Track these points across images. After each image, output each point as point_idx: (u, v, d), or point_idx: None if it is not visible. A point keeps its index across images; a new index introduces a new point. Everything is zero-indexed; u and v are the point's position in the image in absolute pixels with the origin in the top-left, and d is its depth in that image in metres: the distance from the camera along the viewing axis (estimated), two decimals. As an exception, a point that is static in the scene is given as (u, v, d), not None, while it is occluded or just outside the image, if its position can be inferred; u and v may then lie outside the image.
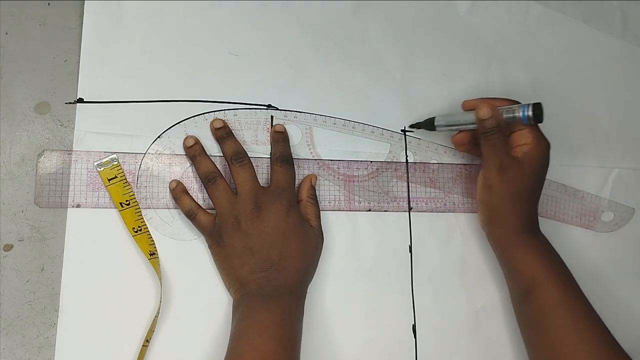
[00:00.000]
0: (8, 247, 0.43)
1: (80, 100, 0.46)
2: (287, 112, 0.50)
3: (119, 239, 0.45)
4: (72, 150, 0.45)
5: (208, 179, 0.45)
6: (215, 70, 0.49)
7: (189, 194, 0.46)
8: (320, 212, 0.48)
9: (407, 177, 0.52)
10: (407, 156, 0.52)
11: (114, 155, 0.46)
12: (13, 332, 0.42)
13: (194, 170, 0.47)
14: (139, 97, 0.47)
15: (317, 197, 0.49)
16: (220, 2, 0.50)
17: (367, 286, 0.50)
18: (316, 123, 0.51)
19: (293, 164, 0.47)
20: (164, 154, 0.47)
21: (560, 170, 0.55)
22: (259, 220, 0.44)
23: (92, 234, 0.44)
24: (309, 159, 0.50)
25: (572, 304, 0.45)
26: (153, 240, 0.45)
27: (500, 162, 0.46)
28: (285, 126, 0.49)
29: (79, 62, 0.46)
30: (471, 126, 0.48)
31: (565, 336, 0.44)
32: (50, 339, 0.43)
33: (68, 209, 0.44)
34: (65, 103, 0.46)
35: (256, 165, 0.47)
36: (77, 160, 0.45)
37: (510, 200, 0.47)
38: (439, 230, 0.52)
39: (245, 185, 0.45)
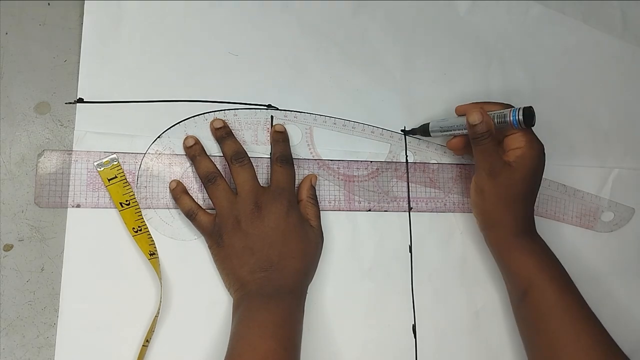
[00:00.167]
0: (8, 247, 0.43)
1: (80, 100, 0.46)
2: (287, 112, 0.50)
3: (119, 239, 0.45)
4: (72, 150, 0.45)
5: (208, 179, 0.45)
6: (215, 70, 0.49)
7: (189, 194, 0.46)
8: (320, 212, 0.48)
9: (407, 177, 0.52)
10: (407, 156, 0.52)
11: (114, 155, 0.46)
12: (13, 332, 0.42)
13: (194, 170, 0.47)
14: (139, 97, 0.47)
15: (317, 197, 0.49)
16: (220, 2, 0.50)
17: (367, 286, 0.50)
18: (316, 123, 0.51)
19: (293, 164, 0.47)
20: (164, 154, 0.47)
21: (560, 170, 0.55)
22: (259, 220, 0.44)
23: (92, 234, 0.44)
24: (309, 159, 0.50)
25: (568, 305, 0.45)
26: (153, 240, 0.45)
27: (491, 167, 0.46)
28: (285, 126, 0.49)
29: (79, 62, 0.46)
30: (465, 131, 0.47)
31: (563, 337, 0.44)
32: (50, 339, 0.43)
33: (68, 209, 0.44)
34: (65, 103, 0.46)
35: (256, 165, 0.47)
36: (77, 160, 0.45)
37: (503, 204, 0.47)
38: (439, 230, 0.52)
39: (245, 185, 0.45)
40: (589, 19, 0.59)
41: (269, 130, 0.49)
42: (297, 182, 0.48)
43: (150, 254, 0.44)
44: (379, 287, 0.50)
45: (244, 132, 0.49)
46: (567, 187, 0.55)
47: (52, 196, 0.44)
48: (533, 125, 0.45)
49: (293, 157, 0.48)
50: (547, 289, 0.45)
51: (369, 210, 0.51)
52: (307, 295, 0.46)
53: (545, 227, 0.50)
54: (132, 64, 0.47)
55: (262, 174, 0.48)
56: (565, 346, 0.43)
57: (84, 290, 0.44)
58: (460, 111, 0.49)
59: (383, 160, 0.52)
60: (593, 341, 0.43)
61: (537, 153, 0.46)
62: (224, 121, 0.48)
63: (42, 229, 0.44)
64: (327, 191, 0.50)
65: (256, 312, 0.42)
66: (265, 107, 0.50)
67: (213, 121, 0.48)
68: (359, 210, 0.51)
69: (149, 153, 0.47)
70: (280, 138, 0.48)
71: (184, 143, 0.47)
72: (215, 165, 0.46)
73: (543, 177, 0.54)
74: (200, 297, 0.46)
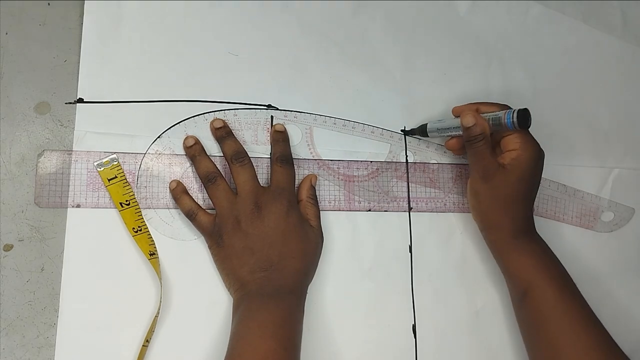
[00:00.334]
0: (8, 247, 0.43)
1: (80, 100, 0.46)
2: (287, 112, 0.50)
3: (119, 239, 0.45)
4: (72, 150, 0.45)
5: (208, 179, 0.45)
6: (215, 70, 0.49)
7: (189, 194, 0.46)
8: (320, 212, 0.48)
9: (407, 177, 0.52)
10: (407, 156, 0.52)
11: (114, 155, 0.46)
12: (13, 332, 0.42)
13: (194, 170, 0.47)
14: (139, 97, 0.47)
15: (317, 197, 0.49)
16: (220, 2, 0.50)
17: (367, 286, 0.50)
18: (316, 123, 0.51)
19: (293, 164, 0.47)
20: (164, 154, 0.47)
21: (560, 170, 0.55)
22: (259, 221, 0.44)
23: (92, 234, 0.44)
24: (309, 159, 0.50)
25: (568, 307, 0.45)
26: (153, 240, 0.45)
27: (484, 170, 0.46)
28: (285, 126, 0.49)
29: (79, 62, 0.46)
30: (461, 132, 0.47)
31: (562, 339, 0.44)
32: (50, 339, 0.43)
33: (68, 209, 0.44)
34: (65, 103, 0.46)
35: (256, 165, 0.47)
36: (77, 160, 0.45)
37: (499, 207, 0.47)
38: (439, 230, 0.52)
39: (245, 186, 0.45)
40: (589, 19, 0.59)
41: (269, 130, 0.49)
42: (297, 182, 0.48)
43: (150, 254, 0.44)
44: (379, 287, 0.50)
45: (244, 132, 0.49)
46: (567, 187, 0.55)
47: (52, 196, 0.44)
48: (528, 127, 0.45)
49: (293, 157, 0.48)
50: (546, 290, 0.45)
51: (369, 210, 0.51)
52: (307, 295, 0.46)
53: (545, 227, 0.50)
54: (132, 64, 0.47)
55: (262, 174, 0.48)
56: (565, 347, 0.43)
57: (84, 290, 0.44)
58: (457, 112, 0.49)
59: (383, 160, 0.52)
60: (593, 342, 0.43)
61: (532, 155, 0.46)
62: (224, 121, 0.48)
63: (42, 229, 0.44)
64: (327, 191, 0.50)
65: (256, 312, 0.42)
66: (265, 107, 0.50)
67: (213, 121, 0.48)
68: (359, 210, 0.51)
69: (149, 153, 0.47)
70: (280, 138, 0.48)
71: (184, 143, 0.47)
72: (215, 165, 0.46)
73: (543, 177, 0.54)
74: (200, 297, 0.46)
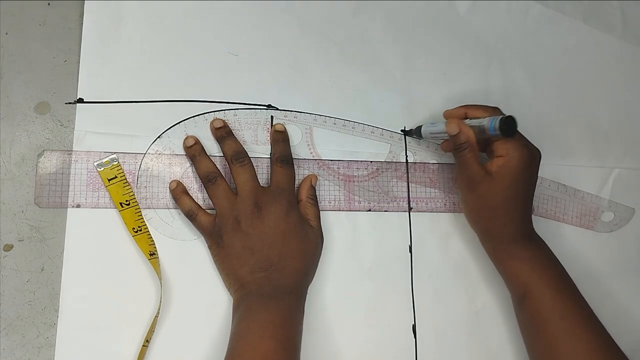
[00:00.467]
0: (8, 247, 0.43)
1: (80, 100, 0.46)
2: (287, 112, 0.50)
3: (119, 239, 0.45)
4: (72, 150, 0.45)
5: (208, 179, 0.45)
6: (215, 70, 0.49)
7: (189, 194, 0.46)
8: (320, 212, 0.48)
9: (407, 177, 0.52)
10: (407, 156, 0.52)
11: (114, 155, 0.46)
12: (13, 332, 0.42)
13: (194, 170, 0.47)
14: (139, 97, 0.47)
15: (317, 197, 0.49)
16: (220, 2, 0.50)
17: (367, 286, 0.50)
18: (316, 123, 0.51)
19: (293, 164, 0.47)
20: (164, 154, 0.47)
21: (560, 170, 0.55)
22: (259, 221, 0.44)
23: (92, 234, 0.44)
24: (309, 159, 0.50)
25: (566, 311, 0.44)
26: (153, 241, 0.45)
27: (470, 179, 0.45)
28: (285, 126, 0.49)
29: (79, 62, 0.46)
30: None
31: (562, 342, 0.44)
32: (50, 339, 0.43)
33: (68, 209, 0.44)
34: (65, 103, 0.46)
35: (256, 165, 0.47)
36: (77, 160, 0.45)
37: (488, 214, 0.46)
38: (439, 230, 0.52)
39: (245, 186, 0.45)
40: (589, 19, 0.59)
41: (269, 130, 0.49)
42: (297, 182, 0.48)
43: (150, 254, 0.44)
44: (379, 287, 0.50)
45: (243, 132, 0.49)
46: (567, 187, 0.55)
47: (52, 196, 0.44)
48: (512, 135, 0.43)
49: (293, 157, 0.48)
50: (543, 295, 0.45)
51: (369, 210, 0.51)
52: (307, 295, 0.46)
53: (545, 227, 0.50)
54: (132, 64, 0.47)
55: (262, 174, 0.48)
56: (565, 351, 0.43)
57: (84, 290, 0.44)
58: (447, 116, 0.49)
59: (383, 160, 0.52)
60: (593, 345, 0.43)
61: (520, 162, 0.44)
62: (224, 121, 0.48)
63: (42, 229, 0.44)
64: (327, 191, 0.50)
65: (256, 312, 0.42)
66: (265, 107, 0.50)
67: (213, 121, 0.48)
68: (359, 210, 0.51)
69: (149, 153, 0.47)
70: (280, 138, 0.48)
71: (184, 143, 0.47)
72: (215, 165, 0.46)
73: (543, 177, 0.54)
74: (200, 297, 0.46)
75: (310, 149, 0.50)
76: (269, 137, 0.49)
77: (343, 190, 0.51)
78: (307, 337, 0.45)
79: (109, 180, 0.45)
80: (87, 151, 0.45)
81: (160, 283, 0.44)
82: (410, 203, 0.52)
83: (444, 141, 0.50)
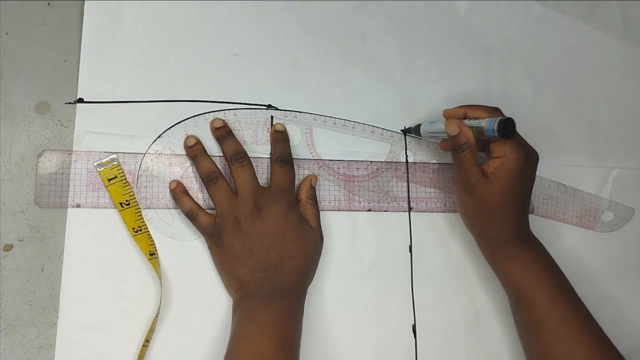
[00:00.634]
0: (8, 247, 0.43)
1: (80, 100, 0.46)
2: (287, 112, 0.50)
3: (119, 239, 0.45)
4: (72, 150, 0.45)
5: (209, 178, 0.45)
6: (215, 70, 0.49)
7: (189, 194, 0.46)
8: (320, 212, 0.48)
9: (407, 177, 0.52)
10: (407, 156, 0.52)
11: (114, 155, 0.46)
12: (13, 332, 0.42)
13: (194, 170, 0.47)
14: (139, 97, 0.47)
15: (317, 197, 0.49)
16: (220, 2, 0.50)
17: (367, 286, 0.50)
18: (316, 123, 0.51)
19: (293, 164, 0.47)
20: (164, 154, 0.47)
21: (560, 170, 0.55)
22: (259, 221, 0.44)
23: (92, 234, 0.44)
24: (309, 159, 0.50)
25: (562, 316, 0.44)
26: (153, 240, 0.45)
27: (466, 180, 0.45)
28: (285, 126, 0.49)
29: (79, 62, 0.46)
30: None
31: (558, 346, 0.43)
32: (50, 339, 0.43)
33: (68, 209, 0.44)
34: (65, 103, 0.46)
35: (256, 165, 0.47)
36: (77, 160, 0.45)
37: (485, 217, 0.46)
38: (439, 230, 0.52)
39: (245, 186, 0.45)
40: (589, 19, 0.59)
41: (269, 130, 0.49)
42: (297, 182, 0.48)
43: (150, 254, 0.44)
44: (379, 287, 0.50)
45: (243, 132, 0.49)
46: (567, 187, 0.55)
47: (52, 196, 0.44)
48: (510, 137, 0.43)
49: (293, 157, 0.48)
50: (538, 299, 0.45)
51: (369, 210, 0.51)
52: (307, 295, 0.46)
53: (545, 227, 0.50)
54: (132, 64, 0.47)
55: (262, 174, 0.48)
56: (561, 356, 0.43)
57: (84, 290, 0.44)
58: (446, 115, 0.49)
59: (383, 160, 0.52)
60: (589, 350, 0.43)
61: (517, 164, 0.44)
62: (224, 121, 0.48)
63: (42, 229, 0.44)
64: (327, 191, 0.50)
65: (256, 313, 0.42)
66: (265, 107, 0.50)
67: (213, 121, 0.48)
68: (359, 210, 0.51)
69: (149, 153, 0.47)
70: (280, 138, 0.48)
71: (185, 142, 0.47)
72: (216, 165, 0.46)
73: (543, 177, 0.54)
74: (200, 297, 0.46)
75: (310, 149, 0.50)
76: (269, 137, 0.49)
77: (343, 190, 0.51)
78: (307, 337, 0.45)
79: (109, 180, 0.45)
80: (87, 151, 0.45)
81: (160, 283, 0.44)
82: (410, 203, 0.52)
83: (442, 140, 0.50)
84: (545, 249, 0.48)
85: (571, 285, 0.46)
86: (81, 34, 0.46)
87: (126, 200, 0.45)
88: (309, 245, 0.46)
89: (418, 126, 0.50)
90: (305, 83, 0.51)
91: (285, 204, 0.45)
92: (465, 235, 0.52)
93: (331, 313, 0.48)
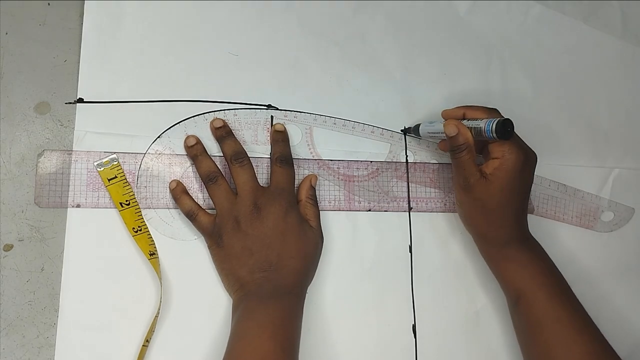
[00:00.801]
0: (8, 247, 0.43)
1: (80, 100, 0.46)
2: (287, 112, 0.50)
3: (119, 239, 0.45)
4: (72, 150, 0.45)
5: (209, 178, 0.45)
6: (215, 70, 0.49)
7: (189, 194, 0.46)
8: (320, 212, 0.48)
9: (407, 177, 0.52)
10: (407, 156, 0.52)
11: (114, 155, 0.46)
12: (13, 332, 0.42)
13: (194, 170, 0.47)
14: (139, 97, 0.47)
15: (317, 197, 0.49)
16: (220, 2, 0.50)
17: (367, 286, 0.50)
18: (316, 123, 0.51)
19: (292, 165, 0.47)
20: (164, 154, 0.47)
21: (560, 170, 0.55)
22: (258, 221, 0.44)
23: (92, 233, 0.44)
24: (309, 159, 0.50)
25: (559, 316, 0.44)
26: (153, 240, 0.45)
27: (465, 181, 0.45)
28: (285, 126, 0.49)
29: (79, 62, 0.46)
30: None
31: (555, 346, 0.43)
32: (50, 339, 0.43)
33: (68, 209, 0.44)
34: (65, 103, 0.46)
35: (256, 165, 0.47)
36: (77, 160, 0.45)
37: (483, 217, 0.46)
38: (439, 230, 0.52)
39: (245, 186, 0.45)
40: (589, 19, 0.59)
41: (269, 130, 0.49)
42: (297, 182, 0.48)
43: (150, 254, 0.44)
44: (379, 287, 0.50)
45: (243, 132, 0.49)
46: (567, 187, 0.55)
47: (52, 196, 0.44)
48: (509, 138, 0.43)
49: (293, 157, 0.48)
50: (536, 300, 0.45)
51: (369, 210, 0.51)
52: (307, 295, 0.46)
53: (545, 227, 0.50)
54: (132, 64, 0.47)
55: (262, 174, 0.48)
56: (559, 356, 0.43)
57: (84, 290, 0.44)
58: (445, 116, 0.49)
59: (383, 160, 0.52)
60: (586, 351, 0.43)
61: (516, 164, 0.44)
62: (223, 121, 0.48)
63: (42, 229, 0.44)
64: (327, 191, 0.50)
65: (255, 313, 0.42)
66: (265, 107, 0.50)
67: (213, 121, 0.48)
68: (359, 210, 0.51)
69: (149, 153, 0.47)
70: (280, 138, 0.48)
71: (185, 142, 0.47)
72: (216, 165, 0.46)
73: (543, 176, 0.54)
74: (200, 297, 0.46)
75: (310, 148, 0.50)
76: (268, 137, 0.49)
77: (343, 190, 0.51)
78: (306, 337, 0.45)
79: (109, 180, 0.45)
80: (87, 151, 0.45)
81: (160, 283, 0.44)
82: (410, 203, 0.52)
83: (441, 141, 0.50)
84: (543, 249, 0.48)
85: (569, 286, 0.46)
86: (81, 34, 0.46)
87: (126, 200, 0.45)
88: (308, 246, 0.46)
89: (417, 126, 0.51)
90: (305, 83, 0.51)
91: (285, 204, 0.45)
92: (466, 236, 0.52)
93: (331, 313, 0.48)
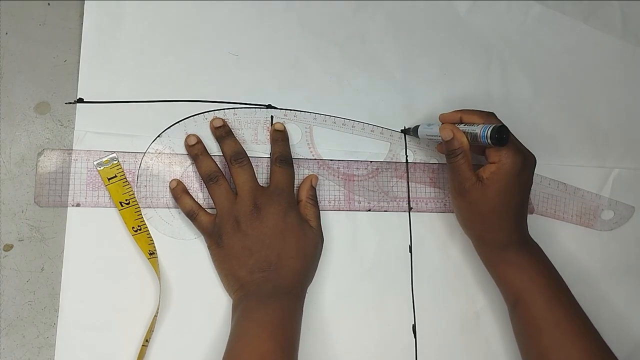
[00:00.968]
0: (8, 247, 0.43)
1: (80, 100, 0.46)
2: (286, 111, 0.50)
3: (119, 239, 0.45)
4: (72, 150, 0.45)
5: (210, 178, 0.45)
6: (215, 70, 0.49)
7: (189, 193, 0.46)
8: (320, 212, 0.48)
9: (407, 176, 0.52)
10: (407, 156, 0.52)
11: (114, 155, 0.46)
12: (13, 332, 0.42)
13: (194, 169, 0.47)
14: (139, 97, 0.47)
15: (317, 197, 0.49)
16: (220, 2, 0.50)
17: (367, 286, 0.50)
18: (316, 122, 0.51)
19: (292, 164, 0.47)
20: (164, 153, 0.47)
21: (560, 170, 0.55)
22: (258, 221, 0.44)
23: (92, 233, 0.44)
24: (308, 159, 0.50)
25: (558, 319, 0.44)
26: (153, 240, 0.45)
27: (460, 185, 0.45)
28: (285, 125, 0.49)
29: (79, 62, 0.46)
30: None
31: (554, 350, 0.43)
32: (50, 339, 0.43)
33: (68, 208, 0.44)
34: (65, 103, 0.46)
35: (256, 165, 0.47)
36: (77, 160, 0.45)
37: (480, 221, 0.46)
38: (439, 230, 0.52)
39: (244, 186, 0.45)
40: (589, 19, 0.59)
41: (269, 129, 0.49)
42: (297, 181, 0.48)
43: (150, 254, 0.44)
44: (379, 287, 0.50)
45: (243, 131, 0.49)
46: (567, 186, 0.55)
47: (52, 195, 0.44)
48: (504, 145, 0.43)
49: (293, 156, 0.48)
50: (535, 302, 0.45)
51: (369, 210, 0.51)
52: (307, 295, 0.46)
53: (545, 226, 0.50)
54: (132, 64, 0.47)
55: (262, 174, 0.48)
56: (556, 358, 0.43)
57: (84, 290, 0.44)
58: (442, 120, 0.49)
59: (383, 159, 0.52)
60: (585, 355, 0.43)
61: (513, 169, 0.44)
62: (223, 120, 0.48)
63: (42, 229, 0.44)
64: (327, 191, 0.50)
65: (255, 313, 0.42)
66: (265, 107, 0.50)
67: (213, 120, 0.48)
68: (359, 210, 0.51)
69: (149, 152, 0.47)
70: (279, 137, 0.48)
71: (185, 141, 0.47)
72: (217, 164, 0.46)
73: (543, 175, 0.54)
74: (200, 297, 0.46)
75: (310, 148, 0.50)
76: (268, 137, 0.49)
77: (343, 190, 0.51)
78: (306, 337, 0.45)
79: (108, 179, 0.45)
80: (87, 150, 0.45)
81: (160, 283, 0.44)
82: (410, 203, 0.52)
83: (439, 143, 0.50)
84: (543, 252, 0.47)
85: (568, 289, 0.46)
86: (81, 34, 0.46)
87: (126, 200, 0.45)
88: (308, 246, 0.46)
89: (416, 127, 0.51)
90: (305, 83, 0.51)
91: (285, 204, 0.45)
92: (465, 236, 0.52)
93: (331, 313, 0.48)
